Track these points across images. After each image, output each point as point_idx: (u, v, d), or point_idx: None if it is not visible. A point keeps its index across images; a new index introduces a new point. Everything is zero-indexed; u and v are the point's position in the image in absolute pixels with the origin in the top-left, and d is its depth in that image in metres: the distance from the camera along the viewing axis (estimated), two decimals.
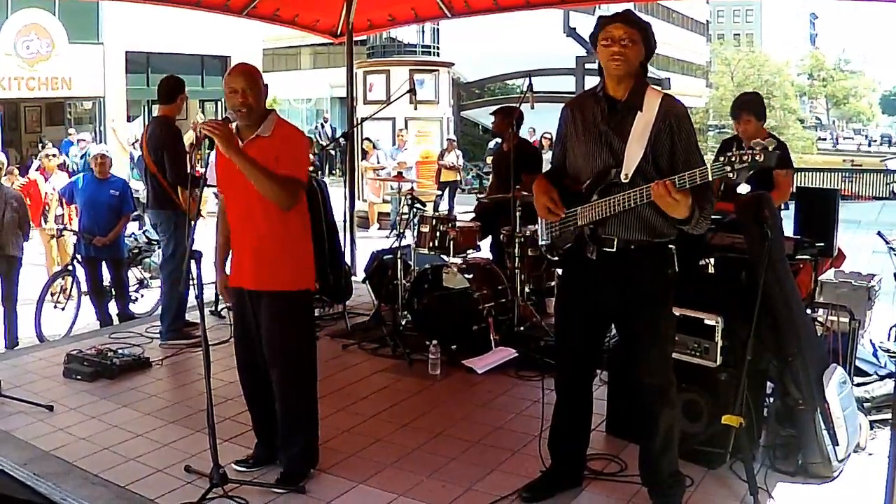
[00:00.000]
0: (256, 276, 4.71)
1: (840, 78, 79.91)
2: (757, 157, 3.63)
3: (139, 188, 13.36)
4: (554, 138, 4.59)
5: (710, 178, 3.78)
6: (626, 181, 4.05)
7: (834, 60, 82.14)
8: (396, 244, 8.20)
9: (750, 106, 6.65)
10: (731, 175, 3.69)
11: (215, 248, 5.05)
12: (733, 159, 3.68)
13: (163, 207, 7.71)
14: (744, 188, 3.76)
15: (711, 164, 3.79)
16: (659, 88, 4.21)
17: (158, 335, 7.89)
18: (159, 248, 10.52)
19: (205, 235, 5.68)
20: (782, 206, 6.76)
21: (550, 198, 4.29)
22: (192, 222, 4.76)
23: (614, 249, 4.15)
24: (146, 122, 22.94)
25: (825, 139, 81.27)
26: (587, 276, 4.28)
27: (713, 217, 4.44)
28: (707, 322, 4.83)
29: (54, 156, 12.71)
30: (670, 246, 4.20)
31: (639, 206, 4.01)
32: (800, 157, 49.97)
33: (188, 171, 4.88)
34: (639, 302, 4.17)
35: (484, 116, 32.77)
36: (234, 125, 4.56)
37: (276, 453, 4.98)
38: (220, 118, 4.65)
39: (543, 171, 8.93)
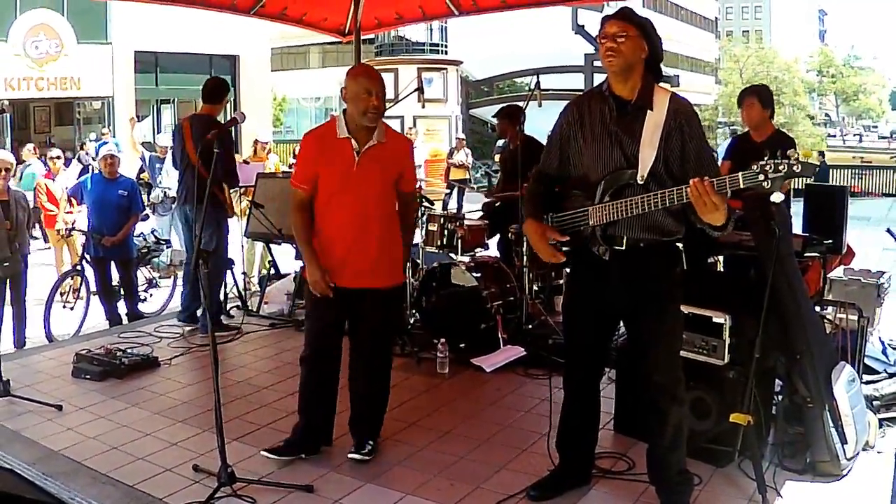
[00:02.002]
0: (373, 275, 4.96)
1: (849, 74, 79.82)
2: (794, 168, 3.50)
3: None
4: (549, 137, 4.53)
5: (742, 186, 3.65)
6: (641, 183, 4.03)
7: (843, 57, 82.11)
8: None
9: (755, 89, 6.64)
10: (765, 185, 3.56)
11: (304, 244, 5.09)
12: (767, 168, 3.54)
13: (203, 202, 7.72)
14: (777, 197, 3.60)
15: (743, 172, 3.65)
16: (666, 87, 4.19)
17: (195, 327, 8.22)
18: (167, 247, 10.59)
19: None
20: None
21: (547, 239, 4.29)
22: (202, 218, 4.82)
23: (623, 248, 4.14)
24: (154, 123, 23.09)
25: (834, 136, 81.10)
26: (595, 274, 4.26)
27: None
28: (715, 320, 4.82)
29: (59, 157, 12.72)
30: (678, 244, 4.19)
31: (654, 210, 3.97)
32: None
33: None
34: (646, 300, 4.16)
35: (492, 114, 32.76)
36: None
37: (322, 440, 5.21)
38: (229, 118, 4.73)
39: None
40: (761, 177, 3.57)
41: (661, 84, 4.17)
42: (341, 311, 5.06)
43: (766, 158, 3.57)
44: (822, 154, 31.82)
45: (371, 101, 4.73)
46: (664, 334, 4.21)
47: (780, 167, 3.53)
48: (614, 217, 4.08)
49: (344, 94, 4.85)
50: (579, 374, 4.53)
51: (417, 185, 5.15)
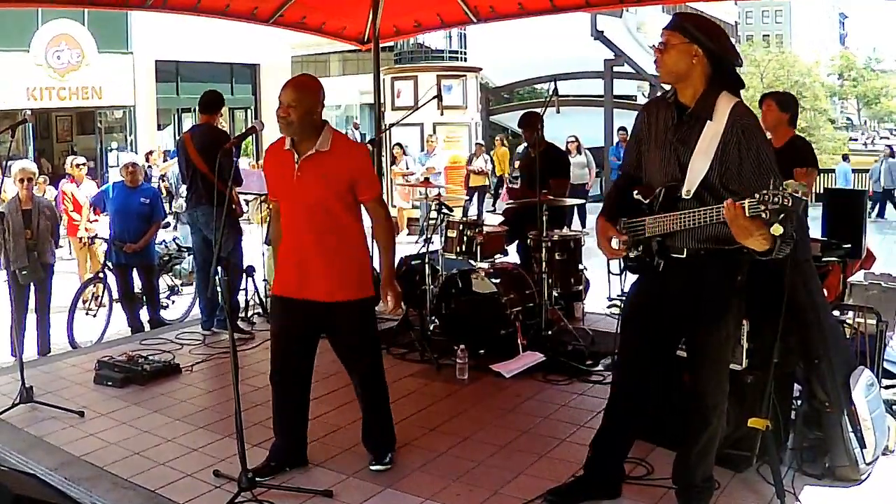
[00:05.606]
0: (328, 288, 4.85)
1: (871, 78, 79.11)
2: (786, 203, 3.47)
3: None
4: (628, 139, 4.50)
5: (747, 214, 3.60)
6: (688, 196, 3.98)
7: (864, 60, 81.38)
8: (424, 249, 8.22)
9: (775, 94, 6.60)
10: (764, 216, 3.54)
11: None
12: (766, 199, 3.51)
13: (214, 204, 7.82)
14: (777, 230, 3.57)
15: (748, 201, 3.61)
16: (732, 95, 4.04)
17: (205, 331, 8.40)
18: (189, 254, 10.66)
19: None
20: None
21: (607, 237, 4.26)
22: (223, 224, 4.85)
23: (684, 256, 4.09)
24: (175, 132, 23.24)
25: (856, 139, 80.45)
26: (655, 282, 4.24)
27: None
28: None
29: (83, 165, 12.81)
30: (742, 253, 3.94)
31: (706, 225, 3.92)
32: (831, 157, 49.46)
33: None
34: (703, 309, 4.09)
35: (513, 121, 32.70)
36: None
37: (296, 454, 5.17)
38: (248, 126, 4.75)
39: (570, 174, 9.02)
40: (762, 207, 3.56)
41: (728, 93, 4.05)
42: (300, 325, 4.99)
43: (770, 188, 3.54)
44: (846, 157, 31.67)
45: (279, 111, 4.71)
46: (717, 345, 4.16)
47: (776, 199, 3.51)
48: (665, 230, 4.06)
49: None
50: (630, 379, 4.45)
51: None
